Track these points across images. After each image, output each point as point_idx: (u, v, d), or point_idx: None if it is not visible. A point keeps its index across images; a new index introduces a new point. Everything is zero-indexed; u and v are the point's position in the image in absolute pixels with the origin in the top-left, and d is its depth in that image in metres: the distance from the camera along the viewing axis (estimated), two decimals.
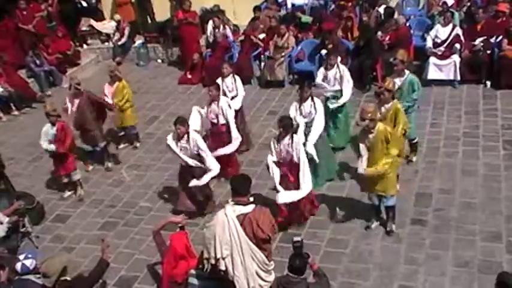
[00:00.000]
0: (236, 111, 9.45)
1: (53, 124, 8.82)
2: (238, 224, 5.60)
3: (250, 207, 5.72)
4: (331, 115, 9.30)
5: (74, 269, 6.05)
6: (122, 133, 10.73)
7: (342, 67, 9.43)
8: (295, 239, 5.51)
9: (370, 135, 7.03)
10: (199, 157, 7.97)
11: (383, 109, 7.77)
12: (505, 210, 7.76)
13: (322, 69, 9.55)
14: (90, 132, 9.68)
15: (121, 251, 7.89)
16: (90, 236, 8.31)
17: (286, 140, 7.45)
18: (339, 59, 11.20)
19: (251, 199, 5.78)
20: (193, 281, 5.95)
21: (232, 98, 9.59)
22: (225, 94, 9.44)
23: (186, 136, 7.87)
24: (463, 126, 10.05)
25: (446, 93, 11.34)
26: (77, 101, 9.51)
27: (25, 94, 13.14)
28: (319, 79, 9.44)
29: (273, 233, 5.83)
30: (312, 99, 8.37)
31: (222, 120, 8.93)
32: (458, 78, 11.43)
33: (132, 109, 10.46)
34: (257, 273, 5.79)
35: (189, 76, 13.56)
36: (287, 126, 7.44)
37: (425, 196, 8.24)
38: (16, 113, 12.90)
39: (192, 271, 6.01)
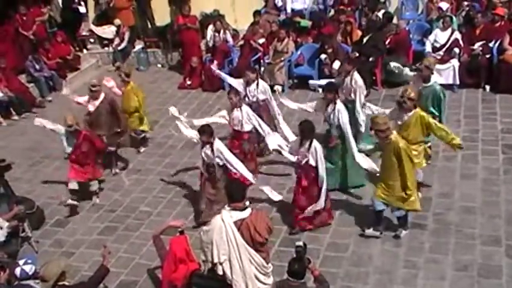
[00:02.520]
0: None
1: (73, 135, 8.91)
2: (235, 229, 5.65)
3: (247, 212, 5.76)
4: None
5: (73, 274, 6.07)
6: (142, 135, 10.63)
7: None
8: (298, 243, 5.53)
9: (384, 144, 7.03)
10: (219, 166, 7.94)
11: (406, 117, 7.71)
12: (504, 214, 7.77)
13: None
14: (100, 136, 9.63)
15: (121, 255, 7.89)
16: (90, 240, 8.32)
17: (307, 144, 7.43)
18: (338, 64, 11.36)
19: (247, 203, 5.82)
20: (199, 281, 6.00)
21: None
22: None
23: (209, 145, 7.85)
24: (462, 130, 10.06)
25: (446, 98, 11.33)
26: (96, 103, 9.60)
27: (25, 99, 13.15)
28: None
29: (269, 234, 5.88)
30: (335, 104, 8.31)
31: (246, 128, 8.82)
32: (458, 82, 11.47)
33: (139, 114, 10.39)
34: (256, 277, 5.83)
35: (189, 82, 13.59)
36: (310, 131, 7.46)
37: (424, 200, 8.22)
38: (16, 117, 12.90)
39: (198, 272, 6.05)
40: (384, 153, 7.22)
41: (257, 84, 9.49)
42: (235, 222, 5.68)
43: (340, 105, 8.25)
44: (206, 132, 7.78)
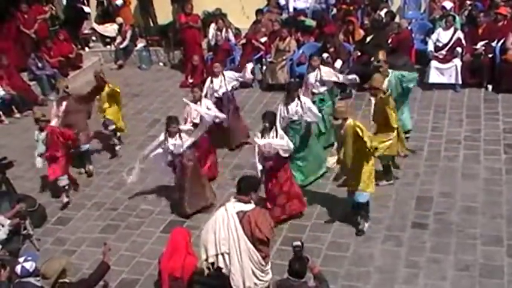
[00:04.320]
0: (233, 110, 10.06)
1: (42, 130, 8.96)
2: (237, 220, 5.71)
3: (250, 206, 5.80)
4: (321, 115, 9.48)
5: (74, 272, 6.06)
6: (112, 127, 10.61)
7: (324, 69, 9.65)
8: (295, 243, 5.53)
9: (342, 131, 7.35)
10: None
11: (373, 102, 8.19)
12: (506, 214, 7.76)
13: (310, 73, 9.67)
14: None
15: (122, 253, 7.90)
16: (92, 238, 8.33)
17: (272, 134, 7.62)
18: (340, 63, 11.40)
19: (253, 200, 5.86)
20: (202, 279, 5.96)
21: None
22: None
23: (177, 135, 8.22)
24: (464, 130, 10.05)
25: (448, 97, 11.34)
26: (64, 104, 9.58)
27: (27, 97, 13.17)
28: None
29: (271, 235, 5.88)
30: (299, 99, 8.60)
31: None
32: (460, 81, 11.44)
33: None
34: (253, 273, 5.87)
35: (190, 81, 13.57)
36: (272, 121, 7.68)
37: (426, 199, 8.25)
38: (18, 115, 12.92)
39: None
40: (346, 142, 7.37)
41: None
42: (237, 213, 5.74)
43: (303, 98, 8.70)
44: (175, 121, 8.23)
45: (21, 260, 5.78)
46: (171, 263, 6.14)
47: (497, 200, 8.08)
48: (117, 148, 10.74)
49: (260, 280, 5.95)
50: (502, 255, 7.04)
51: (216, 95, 9.96)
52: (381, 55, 9.29)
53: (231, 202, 5.88)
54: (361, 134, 7.02)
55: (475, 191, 8.32)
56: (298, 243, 5.53)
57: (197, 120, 9.06)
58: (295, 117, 8.59)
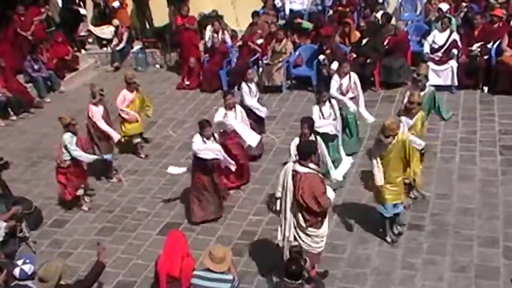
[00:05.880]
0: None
1: (75, 134, 8.67)
2: (290, 176, 6.24)
3: (305, 170, 6.17)
4: (342, 122, 9.33)
5: (70, 274, 6.05)
6: (138, 140, 10.49)
7: (353, 74, 9.48)
8: (293, 244, 5.53)
9: (389, 146, 7.01)
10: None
11: (411, 121, 7.97)
12: (502, 215, 7.78)
13: (336, 78, 9.43)
14: (101, 141, 9.60)
15: (118, 256, 7.88)
16: (88, 241, 8.30)
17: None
18: (336, 64, 11.39)
19: (312, 166, 6.23)
20: (198, 282, 5.91)
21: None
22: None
23: (212, 138, 8.17)
24: (460, 132, 10.08)
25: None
26: (102, 107, 9.50)
27: (23, 99, 13.14)
28: (334, 88, 9.34)
29: (312, 204, 6.08)
30: (330, 102, 8.70)
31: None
32: (456, 83, 11.47)
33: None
34: (294, 228, 6.30)
35: (187, 83, 13.60)
36: (311, 126, 7.77)
37: (422, 201, 8.25)
38: (14, 118, 12.87)
39: (196, 272, 5.98)
40: (391, 154, 7.08)
41: None
42: (293, 171, 6.24)
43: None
44: (210, 124, 8.14)
45: (19, 262, 5.74)
46: (169, 265, 6.12)
47: (493, 201, 8.10)
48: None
49: (302, 240, 6.22)
50: (498, 256, 7.06)
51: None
52: (423, 69, 8.92)
53: (294, 161, 6.43)
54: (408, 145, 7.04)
55: (471, 193, 8.34)
56: (296, 243, 5.53)
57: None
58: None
